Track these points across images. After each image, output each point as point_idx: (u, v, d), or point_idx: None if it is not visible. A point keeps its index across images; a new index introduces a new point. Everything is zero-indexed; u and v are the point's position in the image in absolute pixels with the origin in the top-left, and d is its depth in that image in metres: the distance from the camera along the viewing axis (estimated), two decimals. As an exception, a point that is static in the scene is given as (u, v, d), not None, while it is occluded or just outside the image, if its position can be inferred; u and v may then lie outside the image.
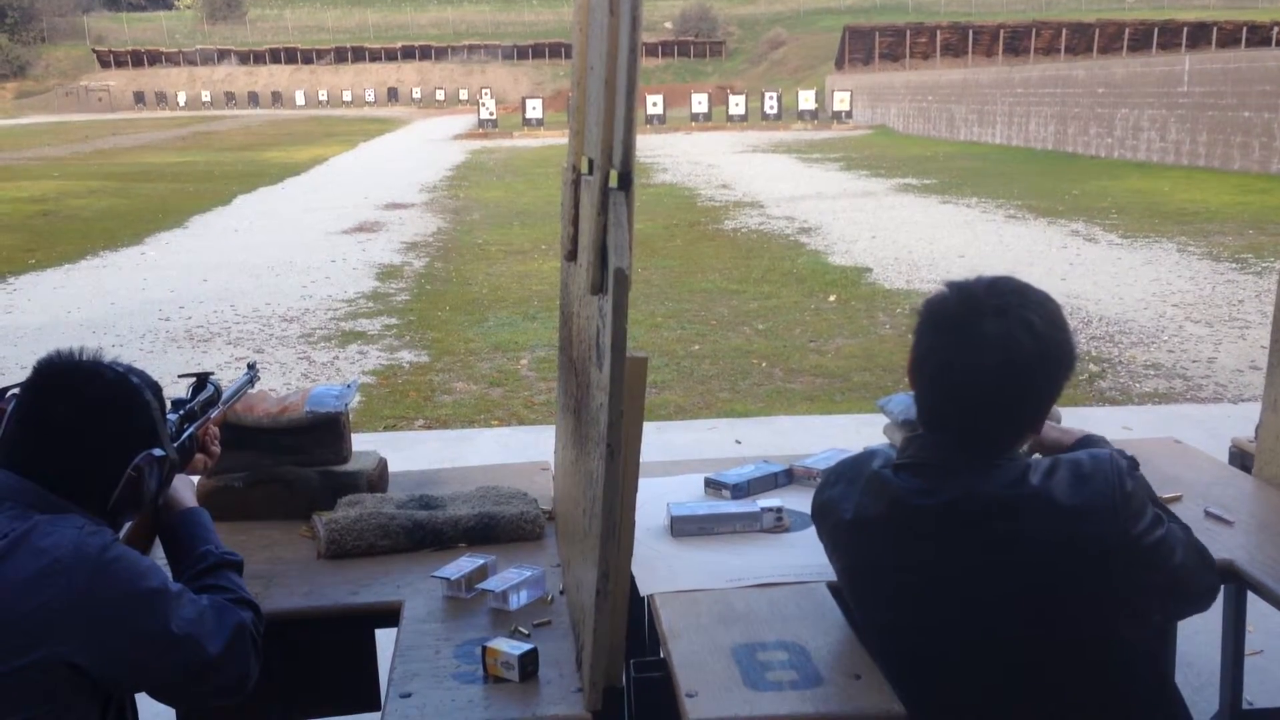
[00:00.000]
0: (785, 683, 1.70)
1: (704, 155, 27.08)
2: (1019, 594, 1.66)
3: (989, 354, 1.68)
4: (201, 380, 2.26)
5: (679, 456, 3.46)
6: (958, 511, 1.68)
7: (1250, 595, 2.27)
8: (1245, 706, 2.70)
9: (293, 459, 2.48)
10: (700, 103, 40.56)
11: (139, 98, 72.78)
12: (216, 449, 2.21)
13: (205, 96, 72.87)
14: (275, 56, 79.87)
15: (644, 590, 2.05)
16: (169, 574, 1.84)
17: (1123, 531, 1.64)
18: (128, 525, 1.88)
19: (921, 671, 1.73)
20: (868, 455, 1.88)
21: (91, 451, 1.72)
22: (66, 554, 1.59)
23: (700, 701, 1.66)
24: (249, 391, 2.48)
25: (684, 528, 2.31)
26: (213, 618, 1.71)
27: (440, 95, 68.98)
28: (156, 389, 1.83)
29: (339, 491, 2.45)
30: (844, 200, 16.80)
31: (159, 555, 1.95)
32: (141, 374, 1.82)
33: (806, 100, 40.18)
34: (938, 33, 51.73)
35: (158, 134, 42.57)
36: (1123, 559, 1.64)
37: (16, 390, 1.77)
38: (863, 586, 1.82)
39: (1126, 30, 48.12)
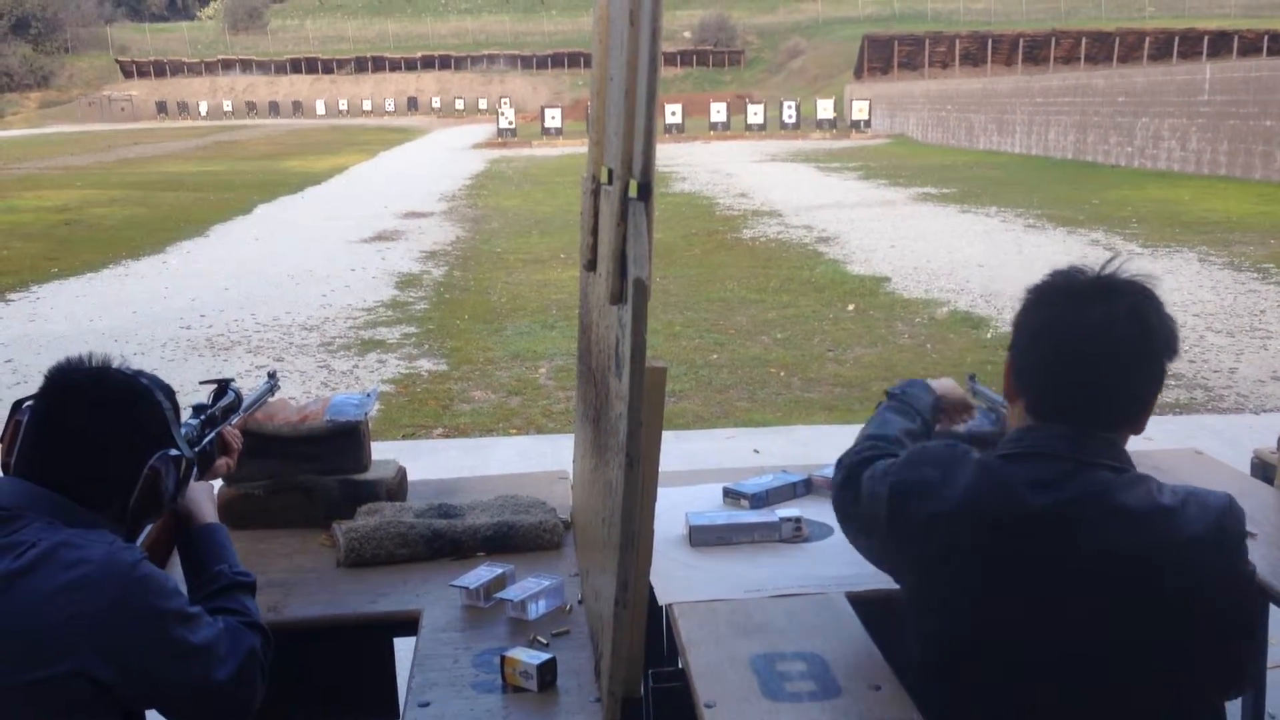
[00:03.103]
0: (804, 694, 1.70)
1: (722, 164, 27.08)
2: (1117, 609, 1.58)
3: (1125, 325, 1.61)
4: (222, 386, 2.28)
5: (697, 466, 3.46)
6: (1082, 511, 1.59)
7: (1272, 608, 2.25)
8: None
9: (312, 467, 2.49)
10: (719, 112, 40.57)
11: (161, 107, 73.32)
12: (238, 446, 2.22)
13: (227, 106, 73.36)
14: (296, 66, 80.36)
15: (662, 600, 2.05)
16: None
17: (1237, 569, 1.61)
18: (147, 531, 1.89)
19: (982, 672, 1.66)
20: (950, 445, 1.77)
21: (106, 455, 1.72)
22: (96, 569, 1.59)
23: (719, 712, 1.66)
24: (269, 400, 2.50)
25: (702, 537, 2.31)
26: (227, 641, 1.71)
27: (460, 105, 69.26)
28: (168, 390, 1.84)
29: (358, 500, 2.45)
30: (862, 209, 16.78)
31: (175, 568, 1.96)
32: (151, 376, 1.83)
33: (825, 109, 40.15)
34: (956, 42, 51.61)
35: (180, 143, 42.86)
36: (1232, 596, 1.61)
37: (32, 401, 1.78)
38: (941, 578, 1.68)
39: (1147, 39, 47.94)
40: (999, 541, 1.62)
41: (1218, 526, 1.60)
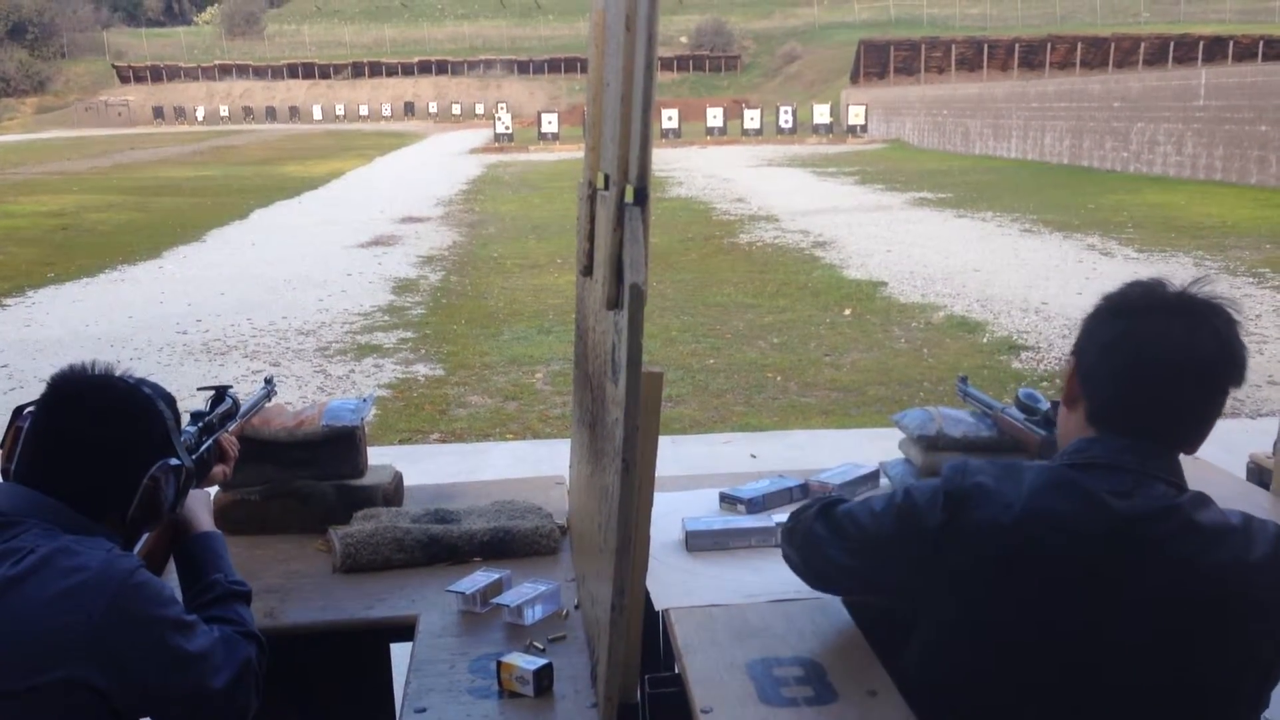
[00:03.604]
0: (801, 699, 1.69)
1: (719, 169, 27.11)
2: (1193, 622, 1.56)
3: (1207, 345, 1.58)
4: (220, 393, 2.28)
5: (694, 471, 3.46)
6: (1164, 523, 1.57)
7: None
8: (1265, 723, 2.67)
9: (308, 472, 2.48)
10: (715, 117, 40.62)
11: (158, 112, 73.27)
12: (235, 453, 2.22)
13: (223, 111, 73.31)
14: (293, 71, 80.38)
15: (659, 605, 2.04)
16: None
17: None
18: (144, 538, 1.88)
19: (1043, 678, 1.61)
20: (992, 459, 1.73)
21: (107, 463, 1.72)
22: (94, 575, 1.59)
23: (715, 718, 1.66)
24: (265, 405, 2.50)
25: (699, 542, 2.30)
26: (222, 650, 1.71)
27: (456, 110, 69.26)
28: (169, 400, 1.84)
29: (354, 505, 2.45)
30: (859, 214, 16.80)
31: (171, 575, 1.96)
32: (154, 385, 1.84)
33: (821, 114, 40.24)
34: (953, 47, 51.71)
35: (176, 148, 42.84)
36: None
37: (33, 408, 1.78)
38: (1002, 586, 1.61)
39: (1142, 44, 48.03)
40: (1082, 548, 1.58)
41: (1274, 552, 1.59)
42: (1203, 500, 1.62)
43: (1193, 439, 1.66)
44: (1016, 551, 1.60)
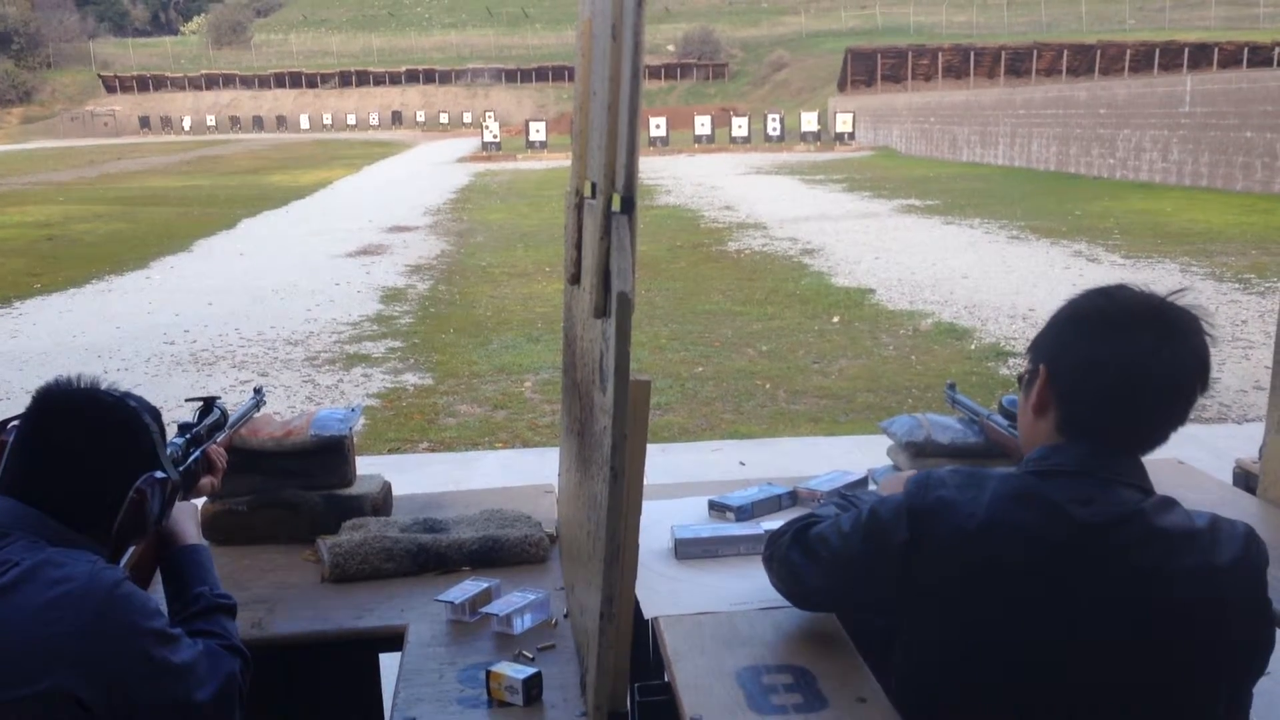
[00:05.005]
0: (790, 706, 1.70)
1: (707, 177, 27.14)
2: (1149, 638, 1.58)
3: (1189, 364, 1.62)
4: (208, 404, 2.27)
5: (683, 479, 3.46)
6: (1127, 529, 1.59)
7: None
8: (1252, 729, 2.67)
9: (297, 482, 2.48)
10: (703, 125, 40.71)
11: (144, 122, 73.20)
12: (223, 464, 2.22)
13: (210, 121, 73.26)
14: (280, 81, 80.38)
15: (648, 613, 2.04)
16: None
17: (1265, 598, 1.62)
18: (130, 552, 1.88)
19: (1016, 685, 1.63)
20: (955, 469, 1.75)
21: (93, 475, 1.72)
22: (79, 587, 1.59)
23: (705, 725, 1.66)
24: (254, 415, 2.49)
25: (688, 550, 2.30)
26: (206, 664, 1.71)
27: (444, 118, 69.33)
28: (155, 413, 1.84)
29: (343, 515, 2.45)
30: (847, 221, 16.84)
31: (157, 588, 1.95)
32: (139, 398, 1.83)
33: (809, 122, 40.31)
34: (939, 54, 51.92)
35: (163, 158, 42.75)
36: (1257, 624, 1.62)
37: (18, 421, 1.77)
38: (968, 597, 1.64)
39: (1128, 51, 48.28)
40: (1043, 558, 1.60)
41: (1245, 555, 1.60)
42: (1167, 504, 1.63)
43: (1159, 444, 1.69)
44: (980, 561, 1.63)
